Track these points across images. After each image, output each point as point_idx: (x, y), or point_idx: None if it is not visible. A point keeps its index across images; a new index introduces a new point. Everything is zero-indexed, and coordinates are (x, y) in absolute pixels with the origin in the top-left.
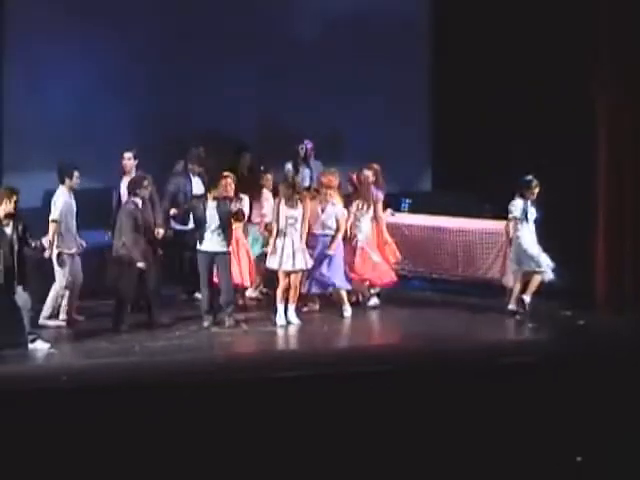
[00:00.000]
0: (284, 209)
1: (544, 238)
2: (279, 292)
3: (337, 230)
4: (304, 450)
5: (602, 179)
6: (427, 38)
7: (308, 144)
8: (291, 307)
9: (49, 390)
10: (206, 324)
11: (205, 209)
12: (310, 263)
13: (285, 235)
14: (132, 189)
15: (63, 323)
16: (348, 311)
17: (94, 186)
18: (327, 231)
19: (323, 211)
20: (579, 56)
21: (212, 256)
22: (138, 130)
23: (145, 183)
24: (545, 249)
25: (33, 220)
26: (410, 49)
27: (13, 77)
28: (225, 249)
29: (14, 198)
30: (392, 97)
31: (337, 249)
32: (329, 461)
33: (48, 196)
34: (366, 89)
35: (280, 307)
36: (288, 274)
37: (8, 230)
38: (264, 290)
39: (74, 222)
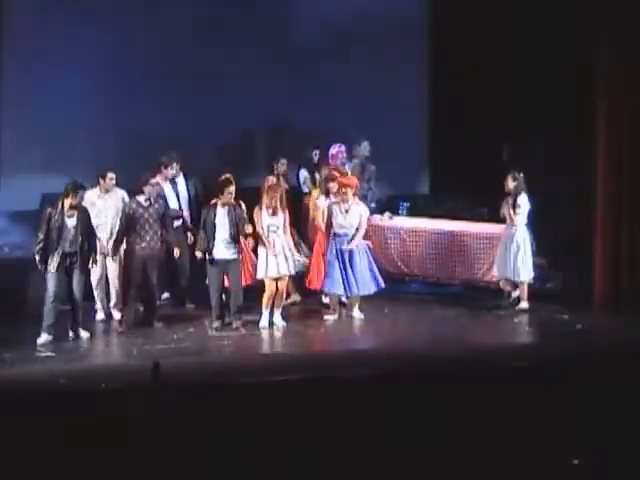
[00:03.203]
0: (265, 217)
1: (542, 240)
2: (265, 298)
3: (358, 229)
4: (304, 453)
5: (600, 182)
6: (425, 39)
7: (319, 151)
8: (277, 311)
9: (47, 392)
10: (215, 326)
11: (215, 216)
12: (293, 269)
13: (268, 242)
14: (139, 186)
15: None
16: (333, 316)
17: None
18: (352, 230)
19: (347, 211)
20: (579, 56)
21: (224, 264)
22: (138, 131)
23: (153, 181)
24: (543, 251)
25: (32, 222)
26: (408, 50)
27: (11, 77)
28: (236, 256)
29: (80, 193)
30: (390, 99)
31: (365, 251)
32: (328, 465)
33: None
34: (364, 90)
35: (265, 312)
36: (275, 280)
37: (70, 222)
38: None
39: (104, 222)
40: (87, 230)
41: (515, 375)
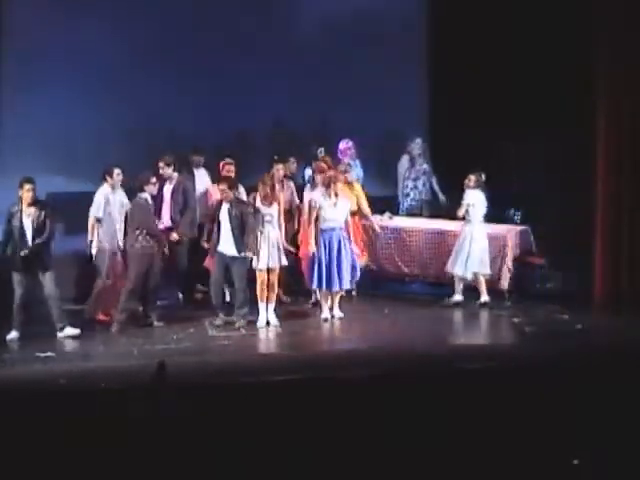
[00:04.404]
0: (261, 207)
1: (542, 240)
2: (258, 290)
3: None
4: (303, 453)
5: (600, 182)
6: (425, 39)
7: (323, 148)
8: (270, 306)
9: (47, 392)
10: (217, 323)
11: (219, 211)
12: (285, 260)
13: (261, 233)
14: (139, 186)
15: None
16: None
17: (91, 189)
18: (338, 224)
19: (335, 205)
20: (579, 56)
21: (226, 259)
22: (138, 130)
23: (153, 180)
24: (543, 251)
25: None
26: (408, 50)
27: (9, 78)
28: (238, 254)
29: (25, 187)
30: (390, 99)
31: (349, 246)
32: (328, 465)
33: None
34: (364, 90)
35: (262, 306)
36: (267, 272)
37: (28, 220)
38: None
39: (114, 219)
40: (43, 228)
41: (515, 375)
